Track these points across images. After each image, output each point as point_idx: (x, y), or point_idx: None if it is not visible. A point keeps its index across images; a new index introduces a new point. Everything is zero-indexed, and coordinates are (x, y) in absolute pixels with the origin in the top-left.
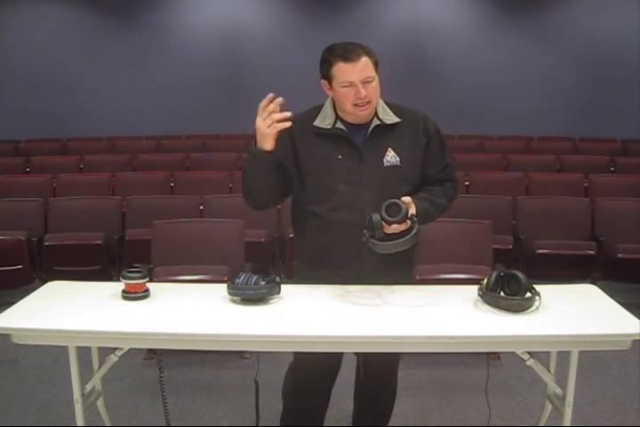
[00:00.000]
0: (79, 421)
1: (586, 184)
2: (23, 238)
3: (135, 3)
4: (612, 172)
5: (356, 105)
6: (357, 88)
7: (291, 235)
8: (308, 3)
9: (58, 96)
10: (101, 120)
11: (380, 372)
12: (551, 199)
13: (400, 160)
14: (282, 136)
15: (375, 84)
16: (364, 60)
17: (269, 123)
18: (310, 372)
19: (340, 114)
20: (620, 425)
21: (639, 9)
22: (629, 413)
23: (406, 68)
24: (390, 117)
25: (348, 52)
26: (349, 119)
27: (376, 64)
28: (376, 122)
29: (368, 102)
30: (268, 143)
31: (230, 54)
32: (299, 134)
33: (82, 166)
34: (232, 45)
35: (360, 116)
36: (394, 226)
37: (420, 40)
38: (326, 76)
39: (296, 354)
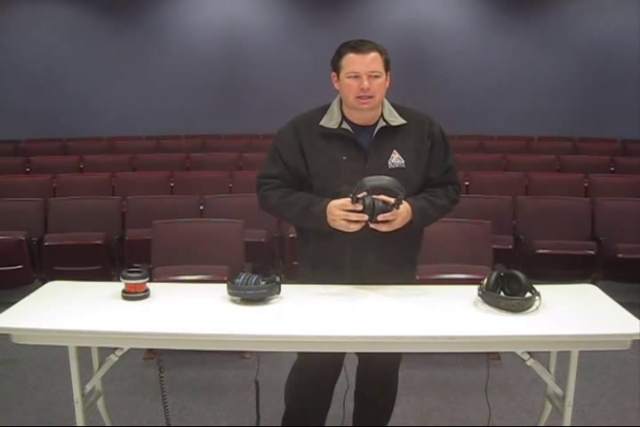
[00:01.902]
0: (79, 421)
1: (586, 184)
2: (23, 238)
3: (135, 3)
4: (612, 172)
5: (358, 97)
6: (362, 80)
7: (291, 235)
8: (308, 3)
9: (58, 96)
10: (101, 120)
11: (380, 372)
12: (551, 199)
13: (405, 162)
14: (289, 138)
15: (381, 80)
16: (374, 54)
17: (346, 224)
18: (315, 371)
19: (346, 113)
20: (620, 425)
21: (639, 9)
22: (629, 413)
23: (406, 67)
24: (396, 119)
25: (360, 44)
26: (355, 119)
27: (387, 62)
28: (382, 123)
29: (370, 97)
30: (334, 226)
31: (230, 54)
32: (305, 134)
33: (82, 166)
34: (232, 45)
35: (362, 110)
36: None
37: (420, 40)
38: (335, 66)
39: (300, 354)
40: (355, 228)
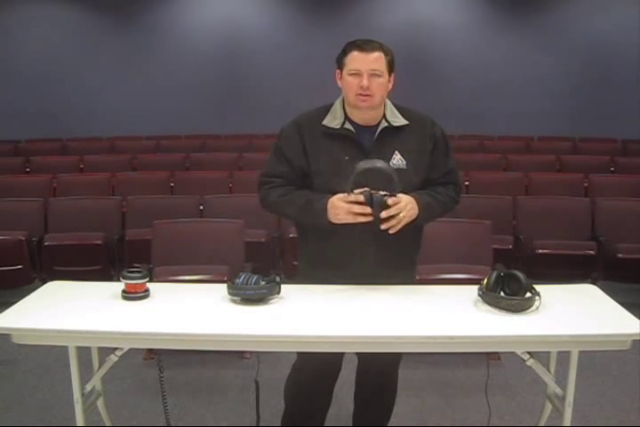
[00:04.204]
0: (79, 421)
1: (586, 184)
2: (23, 238)
3: (135, 3)
4: (612, 172)
5: (357, 95)
6: (362, 78)
7: (291, 235)
8: (309, 3)
9: (58, 96)
10: (101, 120)
11: (380, 371)
12: (551, 199)
13: (406, 163)
14: (292, 137)
15: (382, 80)
16: (378, 54)
17: (352, 216)
18: (314, 371)
19: (349, 113)
20: (620, 425)
21: (639, 9)
22: (629, 413)
23: (406, 67)
24: (398, 120)
25: (365, 43)
26: (357, 119)
27: (390, 63)
28: (384, 124)
29: (369, 95)
30: (337, 220)
31: (230, 54)
32: (308, 133)
33: (82, 166)
34: (232, 45)
35: (361, 108)
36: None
37: (420, 40)
38: (340, 64)
39: (300, 354)
40: (361, 219)
